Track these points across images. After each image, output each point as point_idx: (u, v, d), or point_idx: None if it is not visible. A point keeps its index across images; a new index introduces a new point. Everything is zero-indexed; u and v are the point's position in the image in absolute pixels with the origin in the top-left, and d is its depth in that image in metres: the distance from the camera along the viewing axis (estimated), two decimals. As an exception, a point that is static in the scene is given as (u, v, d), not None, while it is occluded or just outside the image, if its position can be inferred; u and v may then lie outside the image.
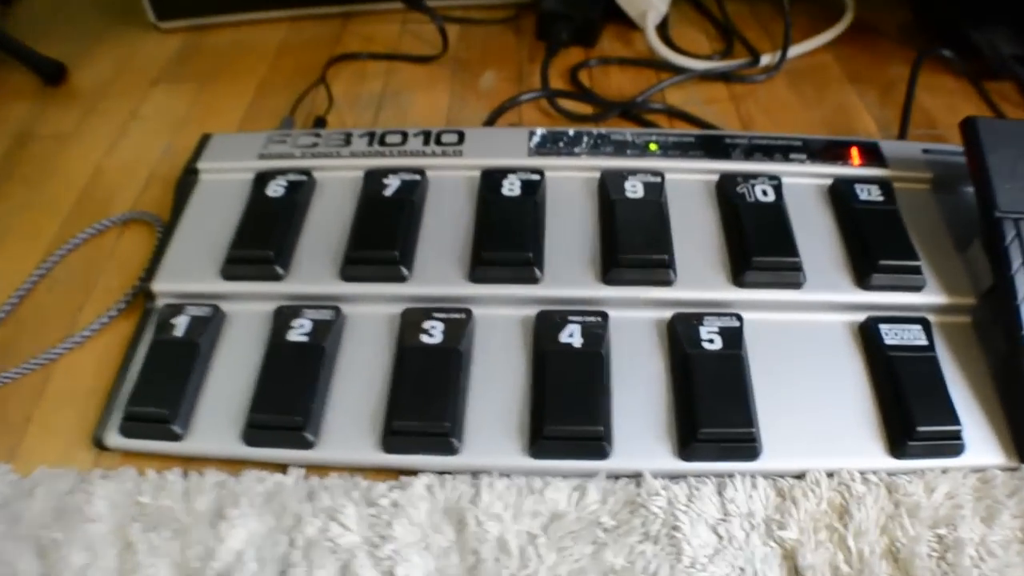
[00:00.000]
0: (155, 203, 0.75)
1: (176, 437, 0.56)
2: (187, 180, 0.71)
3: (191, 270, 0.64)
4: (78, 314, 0.67)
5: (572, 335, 0.58)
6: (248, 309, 0.62)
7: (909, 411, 0.54)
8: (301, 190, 0.68)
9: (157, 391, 0.57)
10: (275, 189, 0.68)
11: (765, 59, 0.92)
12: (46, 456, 0.57)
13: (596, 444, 0.53)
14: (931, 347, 0.58)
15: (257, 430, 0.55)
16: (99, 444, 0.57)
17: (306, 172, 0.69)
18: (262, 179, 0.69)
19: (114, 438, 0.56)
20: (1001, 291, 0.57)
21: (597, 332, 0.58)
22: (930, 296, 0.61)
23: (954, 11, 0.91)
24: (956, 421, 0.54)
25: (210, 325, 0.60)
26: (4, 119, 0.89)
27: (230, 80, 0.94)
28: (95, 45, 1.02)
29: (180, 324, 0.60)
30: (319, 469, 0.55)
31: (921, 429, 0.53)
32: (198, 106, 0.90)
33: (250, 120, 0.88)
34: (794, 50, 0.93)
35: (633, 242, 0.61)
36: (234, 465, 0.55)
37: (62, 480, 0.55)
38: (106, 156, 0.83)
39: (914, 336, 0.59)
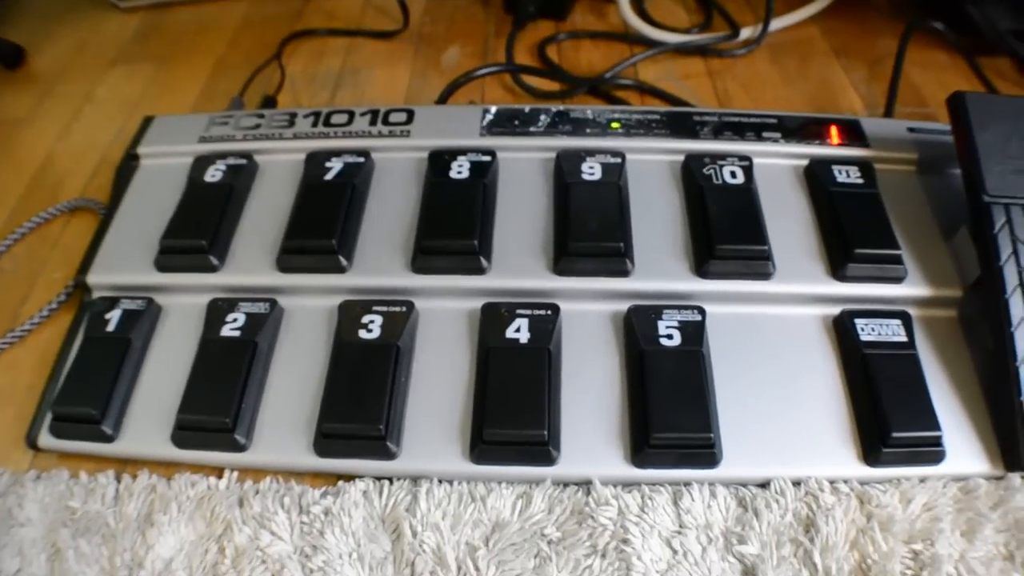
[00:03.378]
0: (104, 190, 0.73)
1: (107, 438, 0.54)
2: (127, 166, 0.69)
3: (126, 261, 0.62)
4: (21, 307, 0.65)
5: (519, 330, 0.54)
6: (183, 302, 0.60)
7: (884, 414, 0.51)
8: (241, 175, 0.65)
9: (86, 390, 0.55)
10: (213, 174, 0.65)
11: (746, 32, 0.88)
12: (-17, 456, 0.55)
13: (541, 449, 0.50)
14: (911, 344, 0.55)
15: (186, 432, 0.53)
16: (33, 445, 0.55)
17: (247, 155, 0.66)
18: (200, 163, 0.66)
19: (46, 439, 0.55)
20: (989, 283, 0.54)
21: (546, 326, 0.55)
22: (912, 288, 0.57)
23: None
24: (936, 426, 0.51)
25: (143, 319, 0.58)
26: (-40, 105, 0.88)
27: (188, 60, 0.92)
28: (56, 26, 1.00)
29: (113, 319, 0.58)
30: (254, 472, 0.53)
31: (897, 435, 0.50)
32: (154, 87, 0.89)
33: (205, 100, 0.85)
34: (777, 23, 0.89)
35: (587, 229, 0.58)
36: (168, 467, 0.54)
37: (-4, 482, 0.53)
38: (58, 141, 0.82)
39: (893, 331, 0.55)
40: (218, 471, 0.53)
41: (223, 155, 0.66)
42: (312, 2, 1.00)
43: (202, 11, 1.00)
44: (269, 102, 0.80)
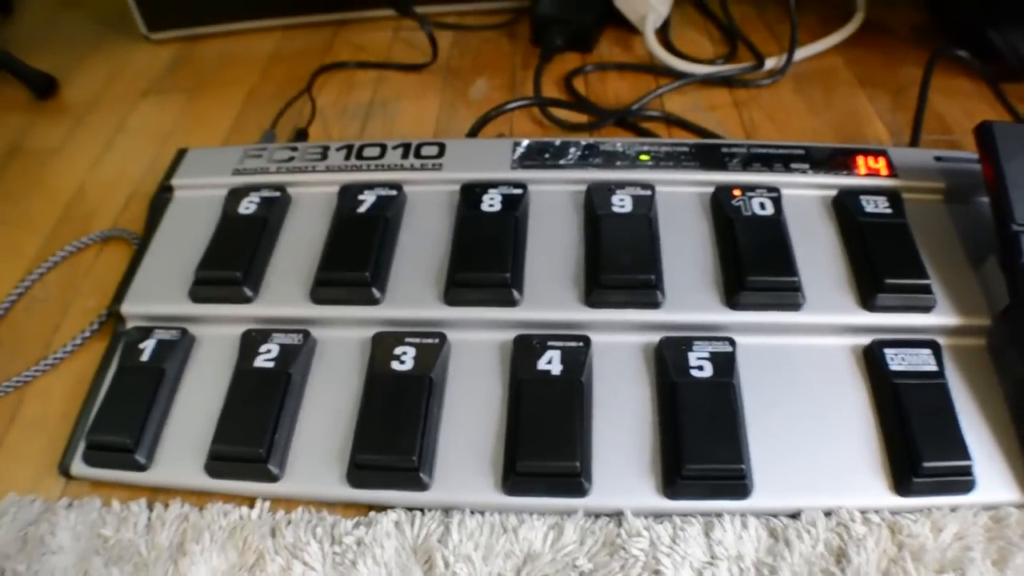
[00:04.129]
0: (136, 220, 0.74)
1: (140, 467, 0.54)
2: (161, 197, 0.70)
3: (161, 292, 0.62)
4: (54, 335, 0.66)
5: (551, 362, 0.55)
6: (217, 332, 0.61)
7: (915, 444, 0.50)
8: (274, 207, 0.66)
9: (120, 419, 0.55)
10: (247, 206, 0.66)
11: (770, 62, 0.89)
12: (15, 483, 0.56)
13: (574, 480, 0.50)
14: (941, 373, 0.54)
15: (219, 462, 0.54)
16: (65, 472, 0.56)
17: (280, 188, 0.67)
18: (235, 195, 0.67)
19: (79, 467, 0.56)
20: (1018, 311, 0.54)
21: (578, 358, 0.55)
22: (941, 317, 0.57)
23: (971, 10, 0.87)
24: (966, 455, 0.50)
25: (177, 349, 0.59)
26: (-6, 134, 0.90)
27: (219, 91, 0.94)
28: (87, 57, 1.02)
29: (147, 348, 0.59)
30: (286, 503, 0.54)
31: (928, 464, 0.50)
32: (186, 118, 0.90)
33: (237, 132, 0.87)
34: (801, 52, 0.90)
35: (618, 261, 0.58)
36: (201, 497, 0.54)
37: (28, 509, 0.54)
38: (91, 171, 0.83)
39: (922, 361, 0.55)
40: (250, 501, 0.53)
41: (257, 187, 0.67)
42: (341, 35, 1.02)
43: (232, 43, 1.02)
44: (301, 135, 0.81)
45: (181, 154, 0.73)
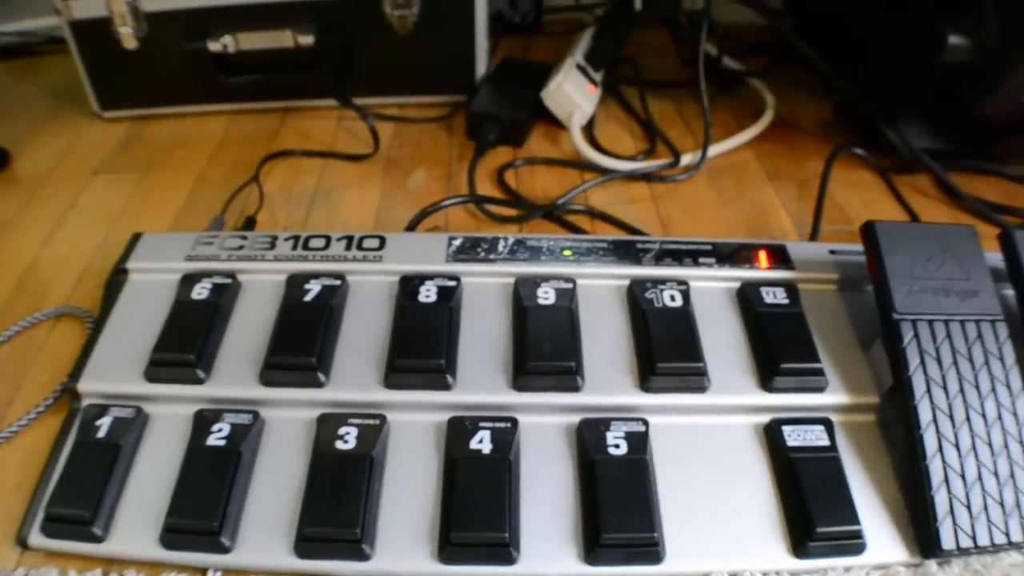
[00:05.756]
0: (88, 297, 0.76)
1: (97, 539, 0.56)
2: (116, 279, 0.72)
3: (116, 371, 0.64)
4: (7, 408, 0.67)
5: (482, 441, 0.59)
6: (171, 411, 0.63)
7: (809, 512, 0.55)
8: (225, 293, 0.69)
9: (78, 493, 0.57)
10: (200, 292, 0.68)
11: (687, 158, 0.94)
12: (-29, 553, 0.56)
13: (503, 550, 0.54)
14: (833, 447, 0.59)
15: (174, 534, 0.55)
16: (23, 543, 0.57)
17: (231, 275, 0.70)
18: (188, 281, 0.70)
19: (37, 538, 0.56)
20: (900, 391, 0.59)
21: (507, 438, 0.59)
22: (833, 396, 0.63)
23: (868, 108, 0.94)
24: (855, 520, 0.55)
25: (133, 427, 0.61)
26: (-56, 206, 0.89)
27: (169, 172, 0.96)
28: (39, 131, 1.03)
29: (103, 425, 0.61)
30: (237, 573, 0.56)
31: (821, 529, 0.54)
32: (136, 198, 0.91)
33: (186, 214, 0.89)
34: (715, 148, 0.96)
35: (542, 349, 0.63)
36: (154, 568, 0.56)
37: (-17, 579, 0.55)
38: (43, 247, 0.84)
39: (816, 437, 0.60)
40: (202, 571, 0.55)
41: (209, 274, 0.70)
42: (287, 122, 1.05)
43: (183, 125, 1.04)
44: (250, 222, 0.84)
45: (136, 238, 0.75)
